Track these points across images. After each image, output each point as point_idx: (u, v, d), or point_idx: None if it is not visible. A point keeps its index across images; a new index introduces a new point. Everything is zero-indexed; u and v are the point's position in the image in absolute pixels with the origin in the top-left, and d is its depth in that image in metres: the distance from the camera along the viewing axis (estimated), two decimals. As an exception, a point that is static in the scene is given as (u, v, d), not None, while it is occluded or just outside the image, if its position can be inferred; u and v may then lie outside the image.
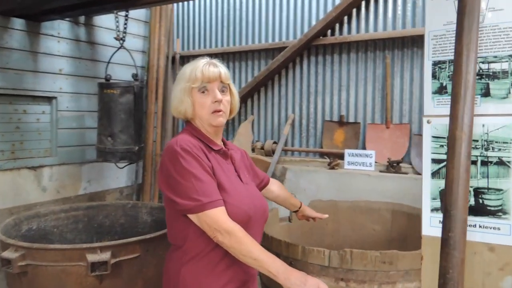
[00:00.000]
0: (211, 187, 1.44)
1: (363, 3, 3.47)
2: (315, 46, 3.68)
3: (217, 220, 1.40)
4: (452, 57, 1.07)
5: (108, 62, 3.52)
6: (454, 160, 0.95)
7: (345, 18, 3.56)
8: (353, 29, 3.53)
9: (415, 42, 3.31)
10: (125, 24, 3.50)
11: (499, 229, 1.07)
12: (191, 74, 1.54)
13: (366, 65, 3.50)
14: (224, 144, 1.73)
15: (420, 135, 3.24)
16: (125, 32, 3.50)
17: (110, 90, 3.29)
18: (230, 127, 4.20)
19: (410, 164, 3.23)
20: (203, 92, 1.55)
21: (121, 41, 3.49)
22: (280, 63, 3.75)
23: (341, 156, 3.47)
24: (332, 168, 3.38)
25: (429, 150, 1.15)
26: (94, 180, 3.85)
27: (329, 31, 3.62)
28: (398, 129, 3.33)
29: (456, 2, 1.07)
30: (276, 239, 2.04)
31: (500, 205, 1.09)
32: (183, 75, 1.58)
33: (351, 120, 3.56)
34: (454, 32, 1.07)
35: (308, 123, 3.77)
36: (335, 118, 3.63)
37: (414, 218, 2.66)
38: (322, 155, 3.66)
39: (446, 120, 1.08)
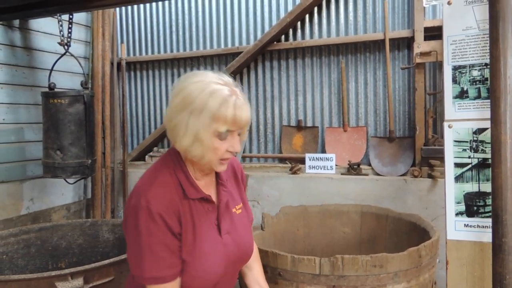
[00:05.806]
0: (162, 261, 1.26)
1: (316, 9, 3.52)
2: (270, 51, 3.67)
3: None
4: (473, 62, 1.10)
5: (51, 70, 3.26)
6: (501, 165, 0.96)
7: (299, 23, 3.59)
8: (307, 34, 3.57)
9: (367, 47, 3.41)
10: (70, 28, 3.27)
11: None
12: (220, 112, 1.20)
13: (322, 69, 3.55)
14: None
15: (377, 137, 3.35)
16: (69, 37, 3.26)
17: (57, 100, 3.03)
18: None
19: (369, 165, 3.32)
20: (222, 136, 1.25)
21: (65, 47, 3.25)
22: (235, 68, 3.69)
23: (301, 161, 3.48)
24: (294, 173, 3.39)
25: (451, 154, 1.16)
26: (38, 198, 3.52)
27: (283, 37, 3.63)
28: (355, 132, 3.42)
29: (475, 8, 1.09)
30: (263, 250, 1.98)
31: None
32: (204, 104, 1.21)
33: (309, 124, 3.59)
34: (474, 37, 1.10)
35: (265, 129, 3.74)
36: (293, 123, 3.64)
37: (382, 218, 2.74)
38: (282, 160, 3.65)
39: (468, 124, 1.10)
